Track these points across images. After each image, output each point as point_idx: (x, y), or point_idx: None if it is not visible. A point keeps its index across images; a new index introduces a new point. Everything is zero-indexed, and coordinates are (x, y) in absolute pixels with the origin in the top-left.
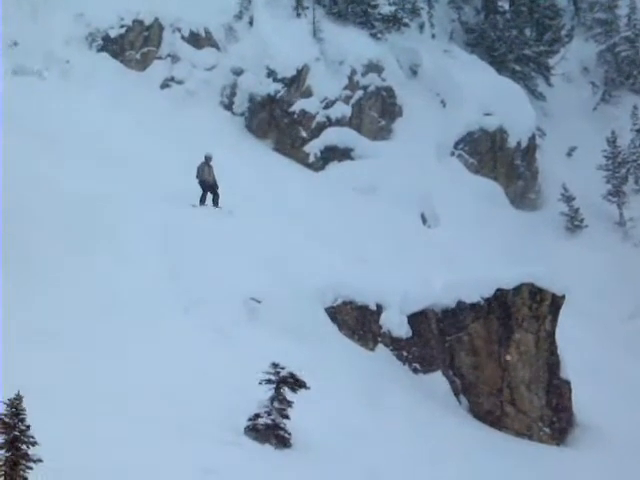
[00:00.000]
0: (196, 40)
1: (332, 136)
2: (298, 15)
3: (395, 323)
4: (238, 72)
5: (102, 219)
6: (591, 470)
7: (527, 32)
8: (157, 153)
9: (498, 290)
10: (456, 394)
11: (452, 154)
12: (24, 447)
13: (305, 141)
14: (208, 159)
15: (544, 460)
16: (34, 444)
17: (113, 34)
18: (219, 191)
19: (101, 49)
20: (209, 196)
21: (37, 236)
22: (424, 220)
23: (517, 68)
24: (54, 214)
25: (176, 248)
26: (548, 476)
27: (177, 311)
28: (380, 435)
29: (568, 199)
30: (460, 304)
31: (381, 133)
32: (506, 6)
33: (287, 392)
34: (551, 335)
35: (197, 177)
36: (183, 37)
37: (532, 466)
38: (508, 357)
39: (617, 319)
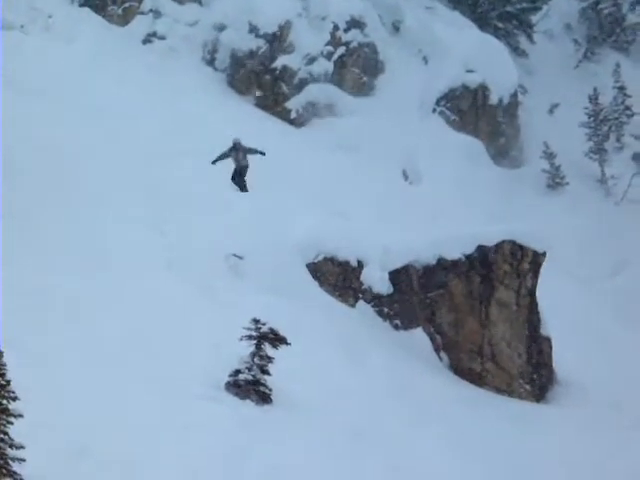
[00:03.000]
0: None
1: (314, 92)
2: None
3: (376, 279)
4: (220, 28)
5: (86, 174)
6: (570, 426)
7: None
8: (139, 108)
9: (479, 247)
10: (437, 351)
11: (434, 111)
12: (4, 402)
13: (287, 97)
14: (237, 144)
15: (524, 416)
16: (14, 399)
17: None
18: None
19: (83, 4)
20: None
21: (20, 191)
22: (406, 177)
23: (499, 25)
24: (37, 168)
25: (160, 205)
26: (528, 432)
27: (161, 267)
28: (361, 391)
29: (550, 156)
30: (441, 261)
31: (363, 89)
32: None
33: (268, 348)
34: (532, 292)
35: (216, 161)
36: None
37: (512, 422)
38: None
39: (598, 277)
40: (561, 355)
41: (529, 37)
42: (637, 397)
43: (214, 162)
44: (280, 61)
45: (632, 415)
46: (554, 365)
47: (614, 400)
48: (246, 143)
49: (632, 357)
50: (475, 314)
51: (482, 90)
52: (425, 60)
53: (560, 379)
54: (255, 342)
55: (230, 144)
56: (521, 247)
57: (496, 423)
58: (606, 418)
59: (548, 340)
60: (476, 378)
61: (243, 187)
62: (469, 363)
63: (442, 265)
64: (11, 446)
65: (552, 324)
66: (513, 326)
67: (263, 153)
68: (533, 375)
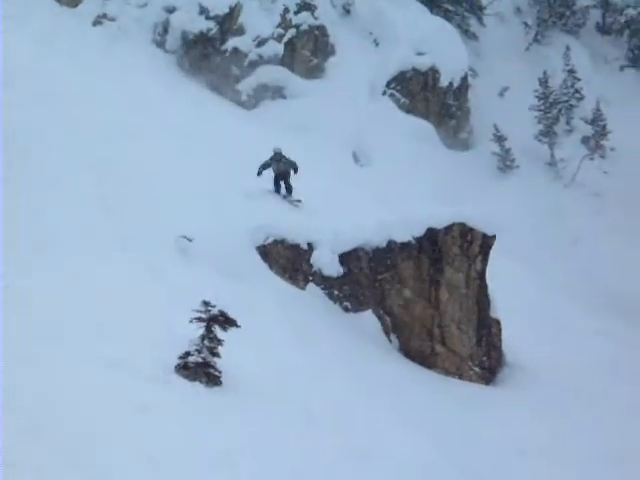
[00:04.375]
0: None
1: (265, 75)
2: None
3: (326, 262)
4: (170, 10)
5: (36, 154)
6: (519, 408)
7: None
8: (89, 90)
9: (429, 229)
10: (387, 333)
11: (384, 93)
12: None
13: (238, 79)
14: (278, 154)
15: (473, 398)
16: None
17: None
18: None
19: None
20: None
21: None
22: (356, 159)
23: (450, 8)
24: None
25: (111, 186)
26: (477, 414)
27: (110, 248)
28: (311, 373)
29: (500, 139)
30: (391, 243)
31: (313, 72)
32: None
33: (218, 330)
34: (481, 274)
35: (262, 170)
36: None
37: (462, 404)
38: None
39: (548, 259)
40: (510, 337)
41: (479, 20)
42: (586, 379)
43: (259, 173)
44: (230, 43)
45: (581, 397)
46: (503, 347)
47: (563, 382)
48: (283, 152)
49: (581, 339)
50: (425, 296)
51: (432, 73)
52: (376, 43)
53: (509, 361)
54: (205, 324)
55: (271, 154)
56: (471, 230)
57: (446, 405)
58: (555, 400)
59: (497, 322)
60: (426, 360)
61: (290, 188)
62: (419, 345)
63: (392, 247)
64: None
65: (502, 306)
66: (463, 308)
67: (296, 170)
68: (482, 357)
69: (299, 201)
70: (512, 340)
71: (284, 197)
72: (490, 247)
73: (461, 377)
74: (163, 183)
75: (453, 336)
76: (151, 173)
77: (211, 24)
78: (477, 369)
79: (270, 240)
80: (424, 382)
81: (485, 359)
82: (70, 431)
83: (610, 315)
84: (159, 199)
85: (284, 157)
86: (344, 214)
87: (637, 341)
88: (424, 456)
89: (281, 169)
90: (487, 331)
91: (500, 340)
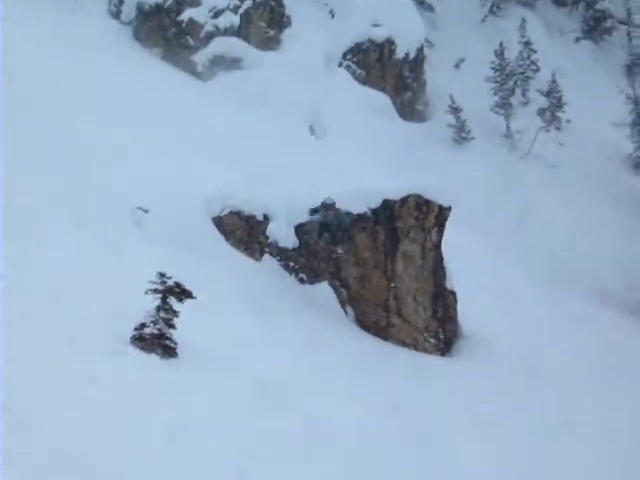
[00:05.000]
0: None
1: (220, 46)
2: None
3: (282, 234)
4: None
5: None
6: (474, 379)
7: None
8: (43, 61)
9: (385, 201)
10: (342, 305)
11: (340, 65)
12: None
13: (193, 51)
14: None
15: (429, 370)
16: None
17: None
18: None
19: None
20: None
21: None
22: (312, 131)
23: None
24: None
25: (64, 159)
26: (433, 385)
27: (64, 220)
28: (267, 345)
29: (455, 111)
30: (347, 215)
31: (269, 43)
32: None
33: (173, 302)
34: (437, 246)
35: None
36: None
37: (417, 375)
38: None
39: (503, 231)
40: (466, 309)
41: None
42: (539, 351)
43: None
44: (186, 14)
45: (534, 368)
46: (459, 319)
47: (518, 354)
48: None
49: (536, 311)
50: (380, 268)
51: (388, 44)
52: (331, 14)
53: (465, 333)
54: (160, 296)
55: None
56: (427, 201)
57: (402, 375)
58: (509, 371)
59: (453, 294)
60: (382, 332)
61: None
62: (374, 317)
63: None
64: None
65: (457, 278)
66: (418, 280)
67: None
68: (438, 329)
69: None
70: (468, 312)
71: None
72: (446, 219)
73: (416, 348)
74: (117, 155)
75: (409, 307)
76: (104, 145)
77: None
78: (432, 340)
79: (226, 211)
80: (380, 353)
81: (440, 330)
82: (20, 407)
83: (563, 288)
84: (112, 170)
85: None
86: (300, 186)
87: (591, 314)
88: (380, 426)
89: None
90: (443, 303)
91: (456, 311)
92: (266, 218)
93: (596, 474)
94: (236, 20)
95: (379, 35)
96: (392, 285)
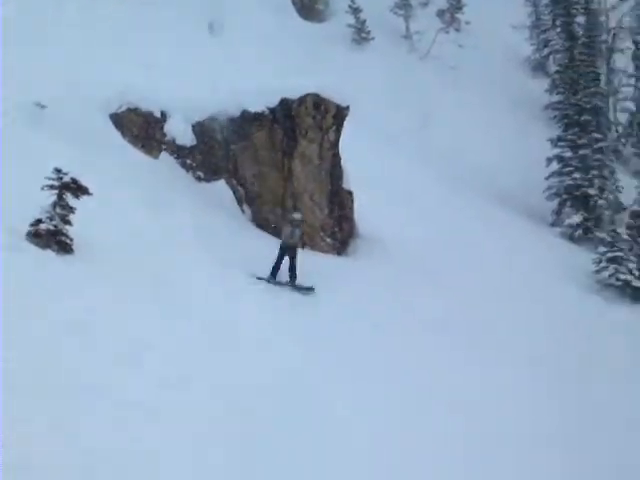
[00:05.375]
0: None
1: None
2: None
3: (179, 131)
4: None
5: None
6: (370, 279)
7: None
8: None
9: (283, 100)
10: (239, 203)
11: None
12: None
13: None
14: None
15: (326, 269)
16: None
17: None
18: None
19: None
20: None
21: None
22: (211, 29)
23: None
24: None
25: None
26: (329, 282)
27: None
28: (163, 241)
29: (355, 11)
30: (245, 113)
31: None
32: None
33: (69, 198)
34: (335, 146)
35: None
36: None
37: (314, 273)
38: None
39: (403, 132)
40: (362, 209)
41: None
42: (440, 252)
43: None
44: None
45: (428, 266)
46: (356, 219)
47: (412, 253)
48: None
49: (436, 211)
50: (278, 167)
51: None
52: None
53: (362, 233)
54: (57, 192)
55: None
56: (324, 101)
57: (299, 275)
58: (404, 270)
59: (350, 194)
60: (278, 230)
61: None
62: (271, 216)
63: (246, 118)
64: None
65: (354, 178)
66: (315, 180)
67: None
68: (334, 228)
69: (311, 289)
70: (364, 211)
71: (290, 285)
72: (343, 119)
73: (313, 248)
74: (18, 52)
75: (305, 207)
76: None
77: None
78: (329, 240)
79: (124, 108)
80: (274, 249)
81: (337, 230)
82: None
83: (463, 188)
84: (12, 67)
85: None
86: (198, 84)
87: (490, 215)
88: (276, 324)
89: (294, 241)
90: (339, 202)
91: (352, 211)
92: (164, 115)
93: (468, 365)
94: None
95: None
96: (289, 184)
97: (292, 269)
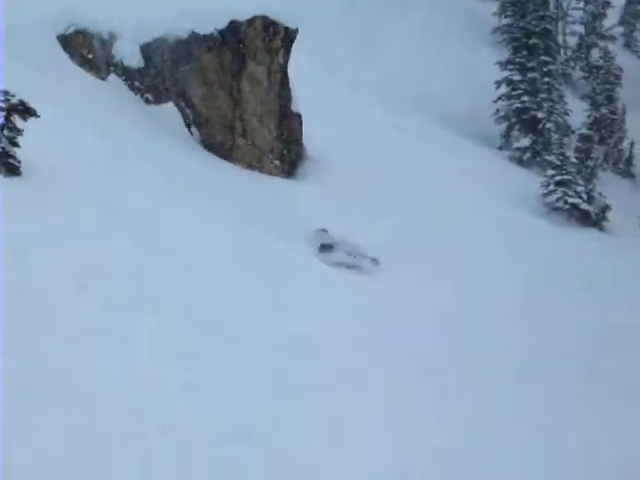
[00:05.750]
0: None
1: None
2: None
3: (127, 53)
4: None
5: None
6: (320, 201)
7: None
8: None
9: (232, 22)
10: (188, 126)
11: None
12: None
13: None
14: None
15: (275, 191)
16: None
17: None
18: None
19: None
20: None
21: None
22: None
23: None
24: None
25: None
26: (277, 203)
27: None
28: (113, 165)
29: None
30: (193, 35)
31: None
32: None
33: (17, 120)
34: (284, 68)
35: None
36: None
37: (262, 195)
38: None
39: (352, 57)
40: (311, 131)
41: None
42: (380, 172)
43: None
44: None
45: (376, 188)
46: (304, 141)
47: (360, 175)
48: None
49: (383, 135)
50: (226, 89)
51: None
52: None
53: (309, 155)
54: (4, 114)
55: None
56: (273, 23)
57: (249, 196)
58: (353, 192)
59: (299, 117)
60: (227, 153)
61: None
62: (220, 138)
63: (194, 39)
64: None
65: (303, 101)
66: (264, 102)
67: None
68: (283, 151)
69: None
70: (312, 134)
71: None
72: (292, 41)
73: (262, 170)
74: None
75: (254, 129)
76: None
77: None
78: (278, 162)
79: (72, 29)
80: (226, 175)
81: (286, 152)
82: None
83: (409, 113)
84: None
85: None
86: (146, 4)
87: (436, 136)
88: (226, 250)
89: None
90: (288, 125)
91: (301, 134)
92: (112, 37)
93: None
94: None
95: None
96: (237, 107)
97: None
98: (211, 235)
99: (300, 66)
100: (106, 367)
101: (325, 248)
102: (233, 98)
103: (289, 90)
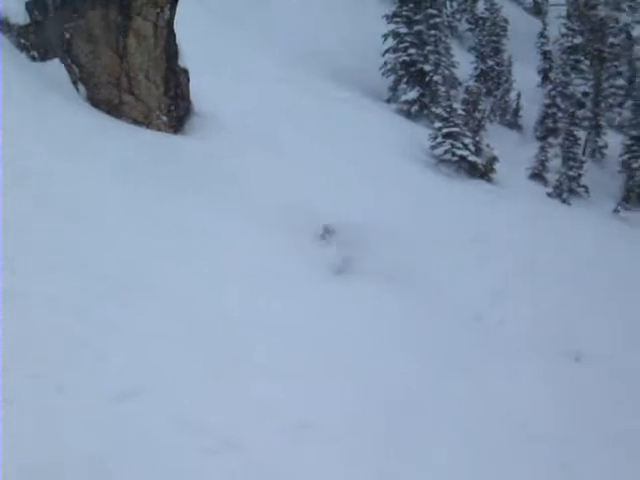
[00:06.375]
0: None
1: None
2: None
3: (13, 9)
4: None
5: None
6: (208, 155)
7: None
8: None
9: None
10: (74, 83)
11: None
12: None
13: None
14: None
15: (161, 145)
16: None
17: None
18: None
19: None
20: None
21: None
22: None
23: None
24: None
25: None
26: (164, 158)
27: None
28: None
29: None
30: None
31: None
32: None
33: None
34: (170, 24)
35: None
36: None
37: (149, 151)
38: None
39: (239, 11)
40: (198, 86)
41: None
42: (278, 128)
43: None
44: None
45: (265, 141)
46: (191, 97)
47: (248, 128)
48: None
49: (274, 89)
50: (112, 45)
51: None
52: None
53: (197, 110)
54: None
55: None
56: None
57: (137, 152)
58: (241, 146)
59: (185, 72)
60: (114, 109)
61: None
62: (106, 95)
63: None
64: None
65: (190, 56)
66: (151, 58)
67: None
68: (170, 107)
69: None
70: (200, 89)
71: None
72: None
73: (149, 126)
74: None
75: (141, 85)
76: None
77: None
78: (165, 118)
79: None
80: (114, 132)
81: (173, 108)
82: None
83: (299, 67)
84: None
85: None
86: None
87: (325, 92)
88: (115, 204)
89: None
90: (175, 80)
91: (188, 89)
92: None
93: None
94: None
95: None
96: (124, 63)
97: None
98: (97, 190)
99: (187, 21)
100: None
101: None
102: (119, 54)
103: (176, 45)
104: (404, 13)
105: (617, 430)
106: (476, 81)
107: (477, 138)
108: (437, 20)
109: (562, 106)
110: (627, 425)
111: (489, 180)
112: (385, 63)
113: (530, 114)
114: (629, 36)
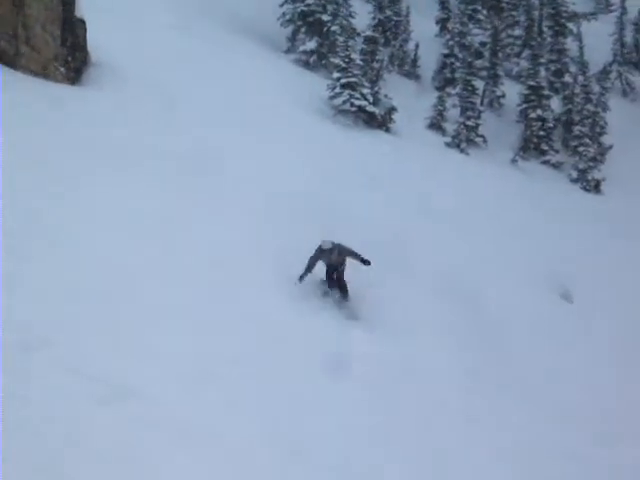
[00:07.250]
0: None
1: None
2: None
3: None
4: None
5: None
6: (105, 106)
7: None
8: None
9: None
10: None
11: None
12: None
13: None
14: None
15: (61, 98)
16: None
17: None
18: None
19: None
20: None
21: None
22: None
23: None
24: None
25: None
26: (60, 109)
27: None
28: None
29: None
30: None
31: None
32: None
33: None
34: None
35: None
36: None
37: (50, 104)
38: None
39: None
40: (95, 38)
41: None
42: (178, 82)
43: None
44: None
45: (164, 93)
46: (88, 48)
47: (146, 79)
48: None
49: (170, 39)
50: None
51: None
52: None
53: (95, 61)
54: None
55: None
56: None
57: (34, 105)
58: (139, 96)
59: (82, 22)
60: (11, 61)
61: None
62: (3, 46)
63: None
64: None
65: (87, 6)
66: (47, 8)
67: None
68: (68, 58)
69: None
70: (97, 40)
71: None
72: None
73: (47, 78)
74: None
75: (38, 37)
76: None
77: None
78: (62, 69)
79: None
80: (10, 83)
81: (70, 59)
82: None
83: (195, 18)
84: None
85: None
86: None
87: (218, 37)
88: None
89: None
90: (72, 31)
91: (85, 40)
92: None
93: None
94: None
95: None
96: (20, 13)
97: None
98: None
99: None
100: None
101: None
102: (15, 5)
103: None
104: None
105: None
106: (374, 31)
107: (375, 88)
108: None
109: (460, 56)
110: None
111: (387, 130)
112: (283, 14)
113: (428, 64)
114: None
